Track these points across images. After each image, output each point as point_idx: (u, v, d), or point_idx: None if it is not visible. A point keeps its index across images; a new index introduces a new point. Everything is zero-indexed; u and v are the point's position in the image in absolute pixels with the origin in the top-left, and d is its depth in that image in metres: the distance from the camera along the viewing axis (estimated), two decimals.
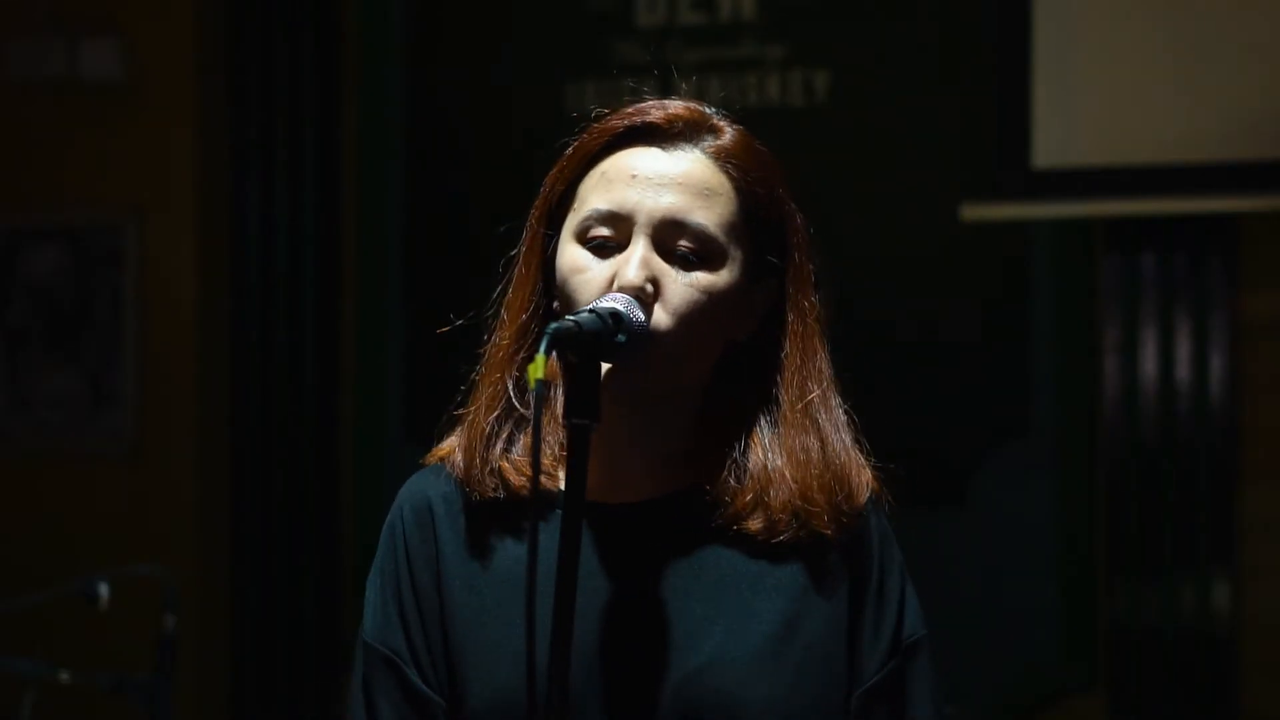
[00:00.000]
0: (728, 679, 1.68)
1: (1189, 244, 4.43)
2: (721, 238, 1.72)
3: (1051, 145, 4.38)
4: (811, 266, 1.80)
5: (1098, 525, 4.48)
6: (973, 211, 4.46)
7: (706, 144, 1.75)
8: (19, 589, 3.31)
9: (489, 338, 1.82)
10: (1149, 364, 4.43)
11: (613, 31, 4.86)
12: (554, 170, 1.79)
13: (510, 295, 1.80)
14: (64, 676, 2.84)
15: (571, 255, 1.73)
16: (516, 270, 1.80)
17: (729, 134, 1.77)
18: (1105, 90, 4.37)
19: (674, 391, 1.73)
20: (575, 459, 1.60)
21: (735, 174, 1.74)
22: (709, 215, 1.72)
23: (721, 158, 1.75)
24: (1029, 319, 4.56)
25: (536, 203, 1.80)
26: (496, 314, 1.82)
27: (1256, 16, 4.29)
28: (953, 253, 4.58)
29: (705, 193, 1.73)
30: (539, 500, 1.58)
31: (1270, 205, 4.32)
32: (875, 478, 1.78)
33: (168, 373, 4.98)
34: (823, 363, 1.78)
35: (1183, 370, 4.42)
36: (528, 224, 1.80)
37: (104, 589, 2.87)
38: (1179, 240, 4.43)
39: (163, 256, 4.98)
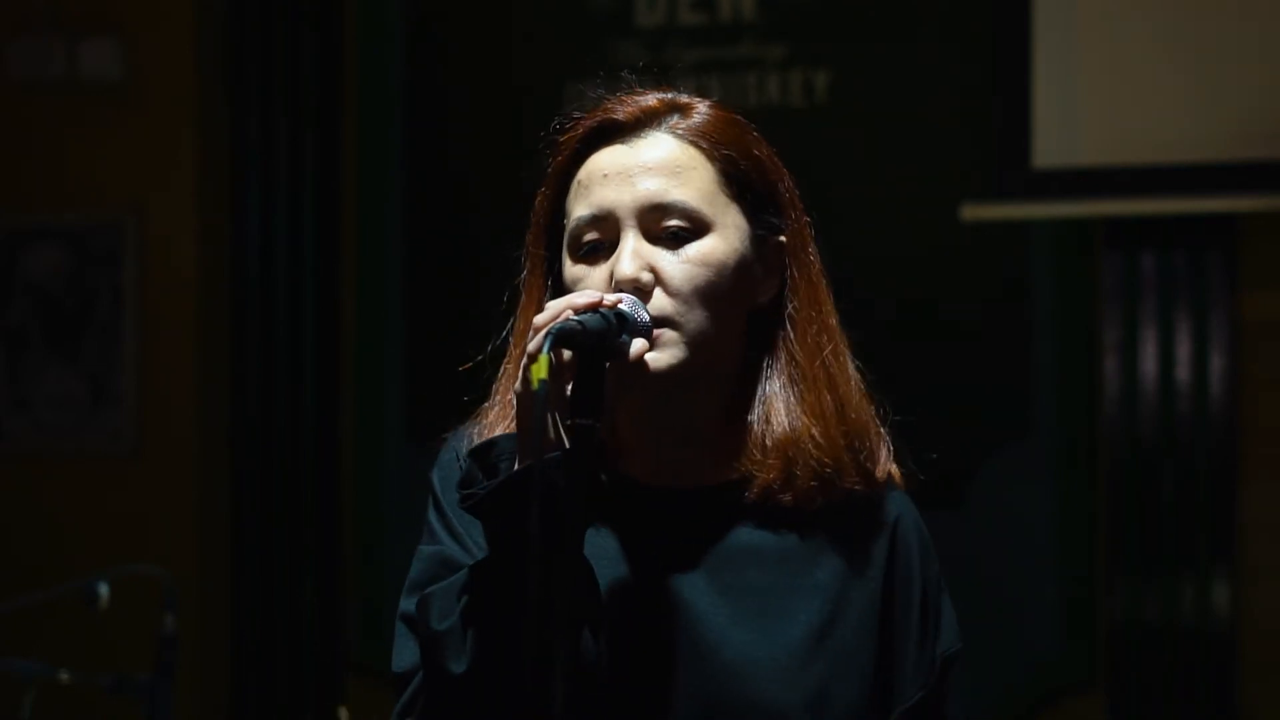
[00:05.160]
0: (755, 682, 1.68)
1: (1189, 244, 4.43)
2: (705, 209, 1.73)
3: (1051, 145, 4.38)
4: (807, 219, 1.81)
5: (1098, 525, 4.48)
6: (973, 211, 4.46)
7: (671, 123, 1.76)
8: (19, 589, 3.30)
9: (502, 365, 1.82)
10: (1149, 364, 4.43)
11: (613, 31, 4.85)
12: (539, 193, 1.81)
13: (518, 322, 1.81)
14: (64, 676, 2.84)
15: (569, 270, 1.75)
16: (521, 296, 1.81)
17: (695, 108, 1.78)
18: (1105, 90, 4.37)
19: (704, 372, 1.72)
20: (578, 459, 1.59)
21: (705, 145, 1.76)
22: (687, 190, 1.73)
23: (688, 133, 1.76)
24: (1029, 319, 4.56)
25: (530, 227, 1.82)
26: (507, 343, 1.82)
27: (1256, 17, 4.29)
28: (953, 253, 4.58)
29: (677, 170, 1.74)
30: (542, 504, 1.57)
31: (1270, 205, 4.32)
32: (891, 451, 1.79)
33: (168, 373, 4.98)
34: (829, 315, 1.79)
35: (1183, 370, 4.42)
36: (525, 251, 1.82)
37: (104, 589, 2.87)
38: (1179, 240, 4.43)
39: (163, 257, 4.98)
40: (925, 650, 1.75)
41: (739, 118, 1.80)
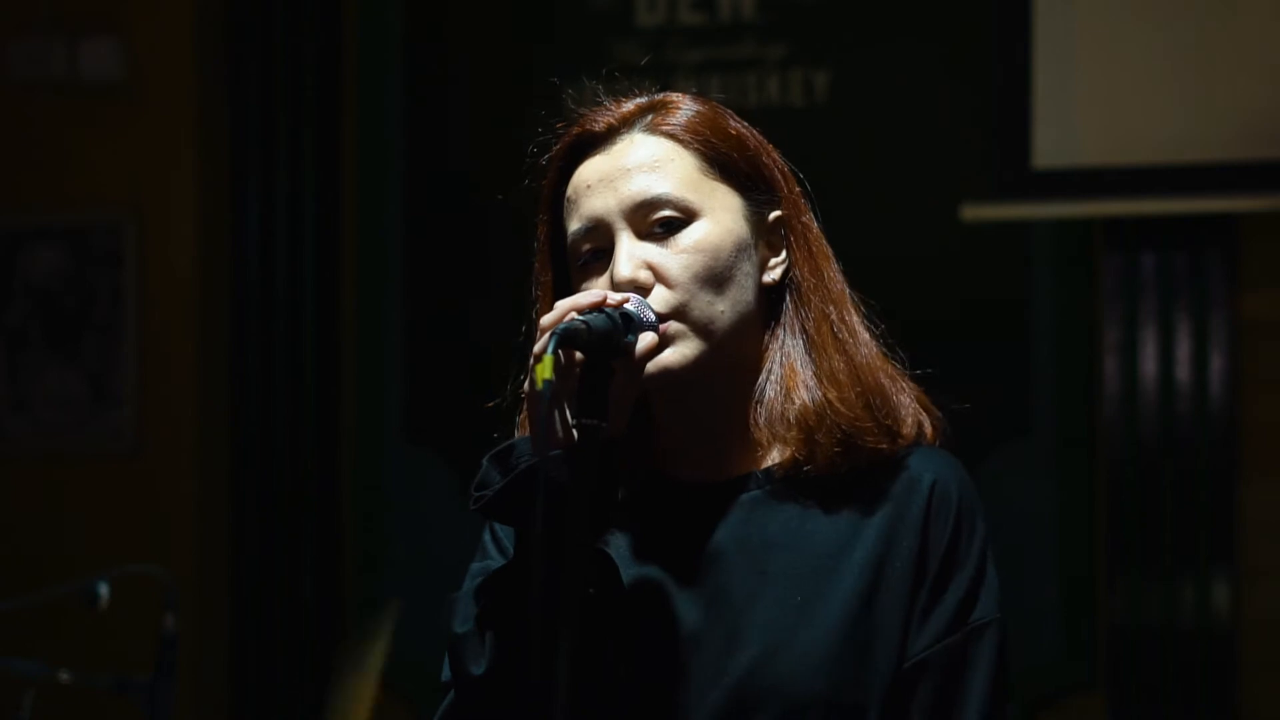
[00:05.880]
0: (795, 668, 1.67)
1: (1189, 244, 4.43)
2: (690, 196, 1.74)
3: (1051, 145, 4.38)
4: (799, 190, 1.81)
5: (1098, 525, 4.48)
6: (973, 211, 4.46)
7: (644, 123, 1.78)
8: (19, 589, 3.30)
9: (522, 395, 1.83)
10: (1149, 364, 4.43)
11: (613, 31, 4.85)
12: (538, 222, 1.82)
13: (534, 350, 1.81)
14: (64, 676, 2.83)
15: (576, 287, 1.75)
16: (537, 325, 1.81)
17: (669, 104, 1.79)
18: (1105, 90, 4.37)
19: (726, 359, 1.73)
20: (584, 459, 1.59)
21: (679, 134, 1.76)
22: (668, 182, 1.74)
23: (660, 127, 1.77)
24: (1029, 319, 4.56)
25: (535, 255, 1.83)
26: (524, 370, 1.82)
27: (1256, 17, 4.29)
28: (953, 253, 4.58)
29: (655, 165, 1.75)
30: (548, 501, 1.57)
31: (1270, 205, 4.32)
32: (928, 406, 1.78)
33: (168, 373, 4.98)
34: (832, 281, 1.80)
35: (1183, 370, 4.42)
36: (533, 277, 1.83)
37: (104, 589, 2.87)
38: (1179, 240, 4.43)
39: (163, 256, 4.98)
40: (942, 606, 1.71)
41: (712, 102, 1.81)
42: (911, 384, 1.80)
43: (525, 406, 1.70)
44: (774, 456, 1.74)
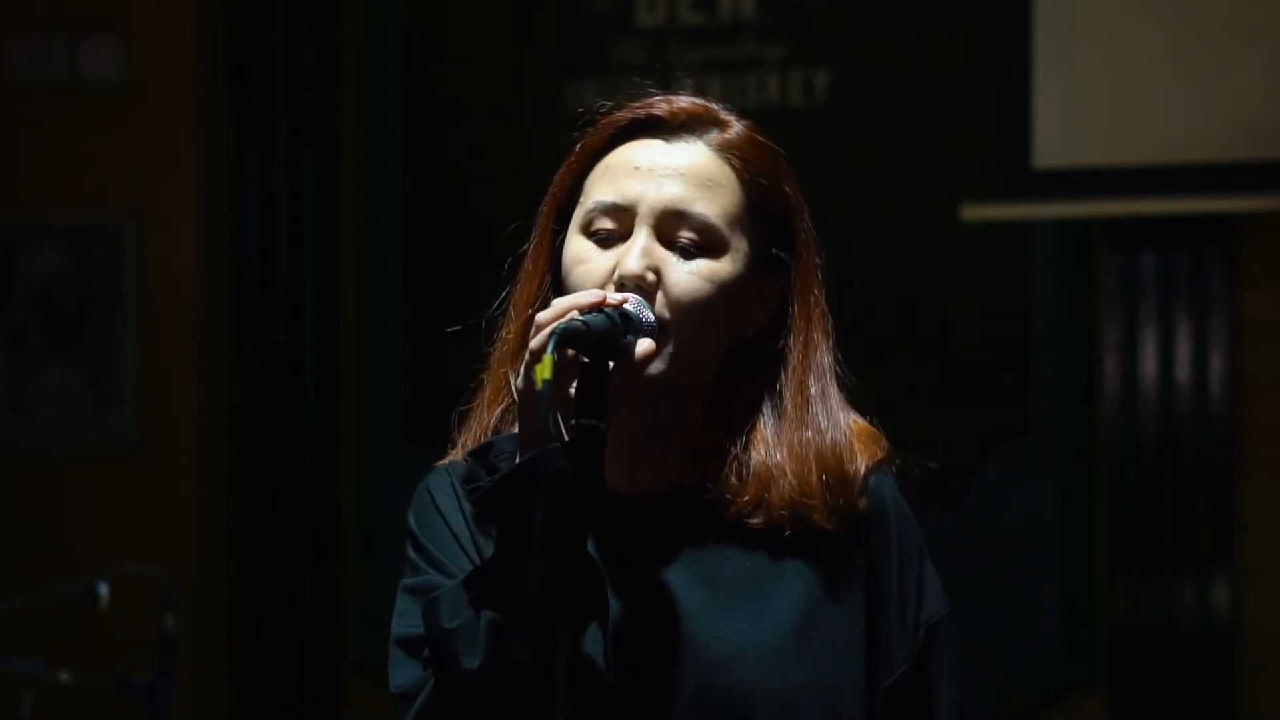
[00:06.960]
0: (750, 671, 1.67)
1: (1189, 244, 4.43)
2: (724, 229, 1.72)
3: (1051, 145, 4.38)
4: (818, 261, 1.80)
5: (1098, 525, 4.48)
6: (973, 211, 4.46)
7: (711, 136, 1.75)
8: (19, 589, 3.30)
9: (498, 334, 1.81)
10: (1149, 364, 4.44)
11: (613, 31, 4.86)
12: (562, 166, 1.79)
13: (517, 291, 1.80)
14: (64, 676, 2.83)
15: (575, 247, 1.73)
16: (524, 266, 1.80)
17: (735, 127, 1.77)
18: (1105, 90, 4.37)
19: (682, 383, 1.72)
20: (583, 459, 1.59)
21: (739, 166, 1.74)
22: (711, 206, 1.72)
23: (725, 150, 1.75)
24: (1029, 319, 4.56)
25: (545, 199, 1.80)
26: (504, 311, 1.81)
27: (1257, 17, 4.29)
28: (953, 253, 4.58)
29: (708, 184, 1.73)
30: (548, 494, 1.57)
31: (1270, 205, 4.32)
32: (887, 454, 1.77)
33: (168, 373, 4.98)
34: (824, 357, 1.77)
35: (1183, 370, 4.42)
36: (536, 220, 1.80)
37: (104, 589, 2.87)
38: (1179, 240, 4.43)
39: (163, 256, 4.98)
40: (907, 620, 1.73)
41: (777, 149, 1.79)
42: (887, 446, 1.79)
43: (519, 403, 1.69)
44: (721, 486, 1.72)
